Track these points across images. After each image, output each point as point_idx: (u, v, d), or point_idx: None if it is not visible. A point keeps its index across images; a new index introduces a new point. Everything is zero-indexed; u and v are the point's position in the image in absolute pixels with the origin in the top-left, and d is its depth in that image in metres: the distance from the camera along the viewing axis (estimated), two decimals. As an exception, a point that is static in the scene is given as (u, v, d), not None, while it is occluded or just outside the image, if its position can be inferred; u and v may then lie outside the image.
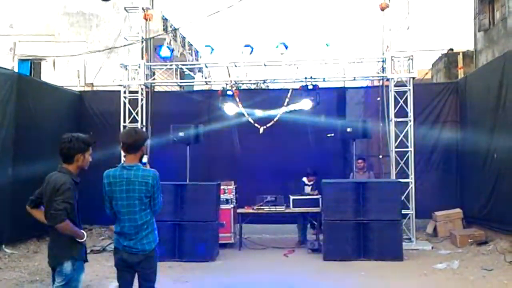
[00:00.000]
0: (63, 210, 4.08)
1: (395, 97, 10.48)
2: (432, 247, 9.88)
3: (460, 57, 17.42)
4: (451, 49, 19.18)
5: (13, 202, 9.01)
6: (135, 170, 4.38)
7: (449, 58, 18.83)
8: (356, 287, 7.40)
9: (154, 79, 11.76)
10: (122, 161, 4.56)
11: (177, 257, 8.87)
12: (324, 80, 11.17)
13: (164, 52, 11.36)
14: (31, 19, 20.33)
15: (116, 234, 4.47)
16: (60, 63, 19.83)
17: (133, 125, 10.77)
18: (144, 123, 11.27)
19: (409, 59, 10.54)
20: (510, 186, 9.03)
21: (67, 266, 4.18)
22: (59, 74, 19.21)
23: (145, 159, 4.56)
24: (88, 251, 4.52)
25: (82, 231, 4.29)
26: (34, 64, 20.17)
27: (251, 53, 10.78)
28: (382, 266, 8.37)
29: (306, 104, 10.78)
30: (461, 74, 16.42)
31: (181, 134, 10.43)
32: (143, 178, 4.36)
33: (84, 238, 4.29)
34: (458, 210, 11.09)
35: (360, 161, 10.73)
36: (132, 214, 4.36)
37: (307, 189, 10.67)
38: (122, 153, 4.57)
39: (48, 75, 18.65)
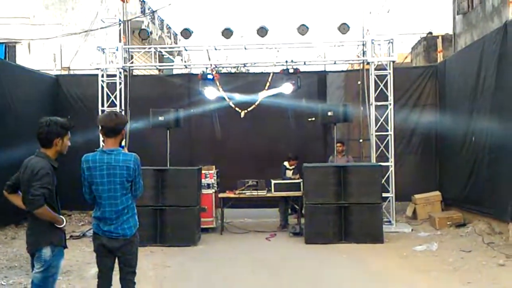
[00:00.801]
0: (41, 195, 3.98)
1: (375, 80, 10.52)
2: (412, 230, 10.01)
3: (439, 41, 17.48)
4: (430, 33, 19.26)
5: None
6: (115, 154, 4.27)
7: (428, 42, 18.89)
8: (338, 269, 7.46)
9: (132, 62, 11.58)
10: (101, 146, 4.44)
11: (159, 242, 8.82)
12: (304, 64, 11.14)
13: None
14: (5, 2, 19.77)
15: (95, 219, 4.37)
16: (36, 46, 19.38)
17: (111, 109, 10.58)
18: (122, 107, 11.11)
19: (389, 43, 10.56)
20: (488, 169, 9.16)
21: (46, 252, 4.10)
22: (35, 58, 18.77)
23: (122, 142, 4.45)
24: (67, 237, 4.44)
25: (61, 216, 4.20)
26: (8, 47, 19.66)
27: (230, 36, 10.65)
28: (363, 249, 8.45)
29: (287, 88, 10.75)
30: (440, 57, 16.53)
31: (160, 118, 10.31)
32: (124, 162, 4.26)
33: (63, 224, 4.21)
34: (437, 193, 11.25)
35: (339, 144, 10.77)
36: (113, 199, 4.27)
37: (289, 173, 10.69)
38: (101, 137, 4.45)
39: (23, 59, 18.22)
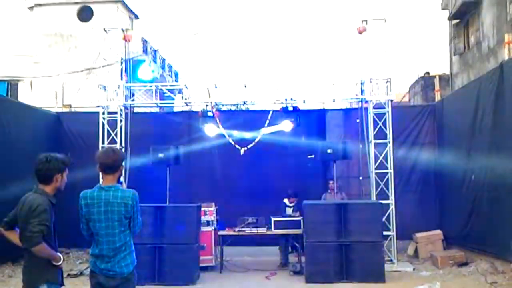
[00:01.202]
0: (39, 232, 3.94)
1: (374, 119, 10.59)
2: (414, 269, 9.87)
3: (436, 80, 17.72)
4: (427, 73, 19.58)
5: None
6: (113, 190, 4.25)
7: (426, 81, 19.19)
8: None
9: (133, 100, 11.67)
10: (100, 182, 4.43)
11: (157, 281, 8.68)
12: (304, 102, 11.24)
13: (143, 73, 11.29)
14: (9, 40, 20.13)
15: (93, 256, 4.31)
16: (38, 84, 19.64)
17: (111, 146, 10.62)
18: (123, 144, 11.13)
19: (387, 82, 10.68)
20: (488, 207, 9.13)
21: (42, 290, 4.03)
22: (37, 95, 19.00)
23: (121, 178, 4.44)
24: (65, 275, 4.38)
25: (58, 254, 4.15)
26: (11, 85, 19.94)
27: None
28: (365, 288, 8.31)
29: (286, 125, 10.81)
30: (438, 96, 16.71)
31: (160, 155, 10.33)
32: (122, 199, 4.23)
33: (61, 261, 4.15)
34: (438, 231, 11.15)
35: (331, 182, 10.75)
36: (111, 236, 4.22)
37: (289, 210, 10.62)
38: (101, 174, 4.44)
39: (26, 96, 18.44)
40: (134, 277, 4.35)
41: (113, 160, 4.28)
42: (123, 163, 4.43)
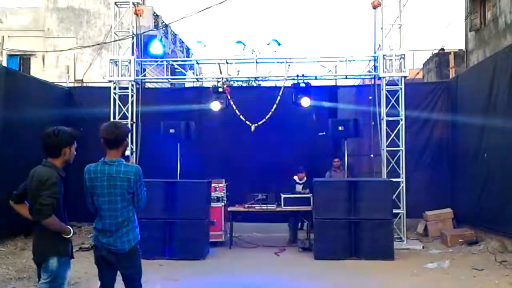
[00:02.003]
0: (49, 205, 3.97)
1: (386, 96, 10.47)
2: (423, 247, 9.87)
3: (451, 57, 17.46)
4: (442, 49, 19.24)
5: (1, 198, 8.86)
6: (116, 165, 4.22)
7: (440, 58, 18.88)
8: (347, 286, 7.36)
9: (144, 75, 11.65)
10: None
11: (167, 255, 8.78)
12: (315, 78, 11.13)
13: (154, 47, 11.23)
14: (21, 14, 20.11)
15: (96, 230, 4.33)
16: (50, 59, 19.67)
17: (123, 121, 10.64)
18: (134, 120, 11.17)
19: (400, 58, 10.52)
20: (500, 186, 9.05)
21: (53, 262, 4.08)
22: (49, 71, 19.05)
23: (127, 152, 4.43)
24: (77, 249, 4.44)
25: (68, 226, 4.19)
26: (23, 60, 19.98)
27: (243, 49, 10.72)
28: (373, 265, 8.34)
29: (305, 101, 10.69)
30: (452, 73, 16.47)
31: (171, 130, 10.35)
32: (125, 174, 4.21)
33: (71, 234, 4.20)
34: (448, 210, 11.10)
35: (336, 159, 10.72)
36: (113, 211, 4.22)
37: (299, 187, 10.63)
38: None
39: (38, 71, 18.48)
40: (137, 252, 4.36)
41: (116, 135, 4.26)
42: (128, 138, 4.41)
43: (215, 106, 10.95)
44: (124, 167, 4.24)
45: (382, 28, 10.52)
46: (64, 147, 4.17)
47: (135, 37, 11.59)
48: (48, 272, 4.08)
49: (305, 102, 10.68)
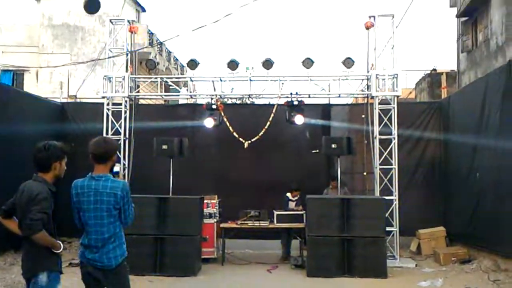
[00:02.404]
0: (39, 220, 3.93)
1: (379, 114, 10.53)
2: (416, 265, 9.84)
3: (443, 77, 17.66)
4: (435, 69, 19.47)
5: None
6: (103, 181, 4.17)
7: (433, 78, 19.09)
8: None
9: (138, 91, 11.66)
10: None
11: (158, 272, 8.69)
12: (309, 97, 11.19)
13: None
14: (15, 30, 20.16)
15: (82, 246, 4.26)
16: (44, 75, 19.67)
17: (116, 137, 10.63)
18: (127, 136, 11.14)
19: (393, 78, 10.62)
20: (492, 205, 9.08)
21: (42, 277, 4.03)
22: (42, 86, 19.04)
23: (117, 167, 4.40)
24: (67, 264, 4.38)
25: (58, 241, 4.14)
26: (16, 75, 19.97)
27: (236, 67, 10.78)
28: (366, 283, 8.30)
29: (299, 119, 10.73)
30: (444, 93, 16.64)
31: (164, 147, 10.32)
32: (112, 189, 4.15)
33: (61, 249, 4.14)
34: (441, 228, 11.10)
35: (333, 182, 10.65)
36: (99, 226, 4.15)
37: (291, 204, 10.60)
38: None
39: (31, 87, 18.47)
40: (124, 269, 4.28)
41: (105, 150, 4.23)
42: (116, 153, 4.37)
43: (209, 123, 10.96)
44: (111, 183, 4.19)
45: (375, 49, 10.63)
46: (55, 161, 4.15)
47: (129, 54, 11.64)
48: None
49: (299, 119, 10.71)
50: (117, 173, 4.41)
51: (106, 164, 4.24)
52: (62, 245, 4.19)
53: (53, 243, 4.08)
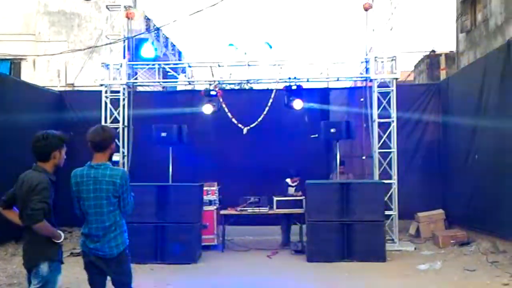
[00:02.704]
0: (40, 209, 3.94)
1: (378, 98, 10.50)
2: (415, 248, 9.90)
3: (442, 59, 17.57)
4: (433, 51, 19.36)
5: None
6: (102, 169, 4.18)
7: (431, 60, 19.00)
8: (340, 288, 7.37)
9: (136, 78, 11.61)
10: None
11: (159, 259, 8.74)
12: (307, 81, 11.15)
13: (146, 51, 11.20)
14: (11, 18, 19.99)
15: (83, 235, 4.29)
16: (41, 63, 19.55)
17: (114, 125, 10.62)
18: (125, 123, 11.12)
19: (392, 60, 10.57)
20: (491, 187, 9.10)
21: (44, 267, 4.06)
22: (40, 75, 18.93)
23: (116, 157, 4.45)
24: (68, 254, 4.40)
25: (59, 231, 4.16)
26: (14, 64, 19.85)
27: (235, 51, 10.74)
28: (366, 267, 8.36)
29: (297, 104, 10.70)
30: (443, 75, 16.57)
31: (163, 134, 10.31)
32: (111, 177, 4.16)
33: (62, 239, 4.16)
34: (440, 211, 11.15)
35: (341, 167, 10.66)
36: (99, 215, 4.17)
37: (291, 190, 10.62)
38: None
39: (28, 75, 18.37)
40: (126, 257, 4.32)
41: (103, 138, 4.23)
42: (114, 141, 4.38)
43: (207, 109, 10.93)
44: (110, 171, 4.20)
45: (373, 30, 10.56)
46: (54, 150, 4.15)
47: (126, 41, 11.57)
48: (39, 278, 4.05)
49: (298, 104, 10.69)
50: (117, 162, 4.45)
51: (105, 152, 4.26)
52: (63, 234, 4.20)
53: (54, 233, 4.10)
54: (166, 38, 24.37)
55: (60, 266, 4.22)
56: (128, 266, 4.35)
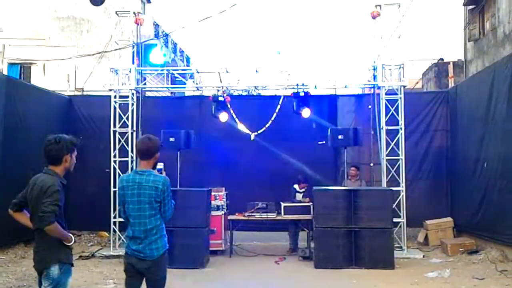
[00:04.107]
0: (52, 212, 3.97)
1: (386, 105, 10.49)
2: (423, 256, 9.86)
3: (450, 67, 17.53)
4: (441, 59, 19.34)
5: (1, 207, 8.84)
6: (146, 175, 4.47)
7: (439, 68, 18.97)
8: (347, 295, 7.35)
9: (145, 84, 11.67)
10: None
11: (168, 264, 8.71)
12: (315, 88, 11.16)
13: (154, 56, 11.26)
14: (22, 23, 20.18)
15: (127, 238, 4.56)
16: (50, 67, 19.69)
17: (123, 130, 10.68)
18: (134, 128, 11.17)
19: (400, 68, 10.56)
20: (500, 195, 9.06)
21: (54, 269, 4.08)
22: (49, 79, 19.07)
23: (160, 165, 4.65)
24: (77, 257, 4.44)
25: (70, 234, 4.19)
26: (24, 68, 20.01)
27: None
28: (373, 275, 8.33)
29: (306, 113, 10.71)
30: (451, 83, 16.53)
31: (171, 139, 10.34)
32: (154, 183, 4.44)
33: (72, 242, 4.19)
34: (449, 219, 11.10)
35: (353, 168, 10.70)
36: (142, 218, 4.44)
37: (299, 196, 10.62)
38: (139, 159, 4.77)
39: (38, 80, 18.51)
40: (165, 260, 4.56)
41: (148, 147, 4.54)
42: (159, 151, 4.61)
43: (223, 117, 10.94)
44: (153, 177, 4.49)
45: (381, 38, 10.57)
46: (66, 154, 4.19)
47: (135, 46, 11.64)
48: (50, 280, 4.08)
49: (306, 113, 10.71)
50: (161, 170, 4.69)
51: (150, 160, 4.55)
52: (73, 238, 4.23)
53: (65, 236, 4.13)
54: (175, 44, 24.50)
55: (70, 269, 4.24)
56: (165, 268, 4.58)
